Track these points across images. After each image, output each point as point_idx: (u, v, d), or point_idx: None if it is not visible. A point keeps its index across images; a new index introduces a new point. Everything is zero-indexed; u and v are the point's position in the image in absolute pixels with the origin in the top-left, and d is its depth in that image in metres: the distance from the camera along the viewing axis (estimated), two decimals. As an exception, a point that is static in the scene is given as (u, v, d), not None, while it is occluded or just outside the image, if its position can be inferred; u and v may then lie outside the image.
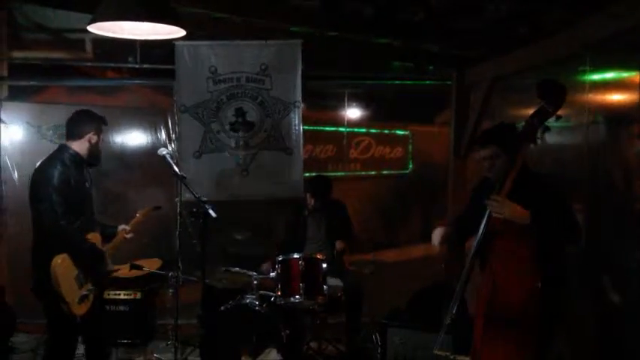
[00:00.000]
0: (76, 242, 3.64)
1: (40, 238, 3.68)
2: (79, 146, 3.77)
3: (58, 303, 3.55)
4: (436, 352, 3.19)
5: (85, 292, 3.66)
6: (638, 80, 3.76)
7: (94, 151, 3.82)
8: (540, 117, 2.94)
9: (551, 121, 2.96)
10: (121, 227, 4.05)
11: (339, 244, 5.01)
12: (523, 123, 3.03)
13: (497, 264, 2.99)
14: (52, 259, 3.52)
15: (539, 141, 2.99)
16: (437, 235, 3.50)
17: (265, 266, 5.05)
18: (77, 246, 3.64)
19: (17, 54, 5.98)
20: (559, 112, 2.93)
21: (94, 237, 3.80)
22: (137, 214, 4.18)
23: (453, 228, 3.50)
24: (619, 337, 3.75)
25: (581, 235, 3.21)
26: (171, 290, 4.75)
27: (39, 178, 3.65)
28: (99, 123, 3.85)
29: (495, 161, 3.24)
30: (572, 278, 4.19)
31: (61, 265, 3.53)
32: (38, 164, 3.72)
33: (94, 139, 3.79)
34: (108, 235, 3.96)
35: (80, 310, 3.63)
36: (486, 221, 3.05)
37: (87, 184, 3.85)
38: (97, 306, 3.79)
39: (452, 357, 3.16)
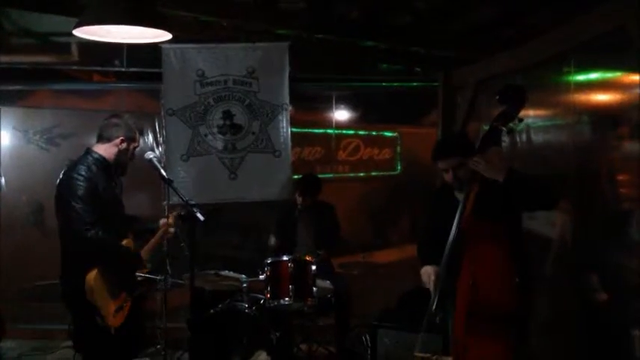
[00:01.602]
0: (110, 249, 3.50)
1: (69, 249, 3.51)
2: (106, 150, 3.61)
3: (93, 316, 3.42)
4: (417, 354, 3.20)
5: (120, 303, 3.55)
6: (622, 80, 3.80)
7: (121, 158, 3.65)
8: (504, 120, 3.04)
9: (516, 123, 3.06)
10: (162, 221, 3.91)
11: (322, 254, 5.03)
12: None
13: (474, 264, 3.03)
14: (86, 273, 3.37)
15: (503, 143, 3.07)
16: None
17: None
18: (112, 253, 3.51)
19: (3, 58, 5.94)
20: (520, 115, 3.03)
21: (128, 243, 3.68)
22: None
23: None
24: (605, 335, 3.78)
25: (556, 201, 3.25)
26: (160, 292, 4.74)
27: (64, 188, 3.47)
28: (131, 131, 3.68)
29: (457, 172, 3.25)
30: (559, 277, 4.24)
31: (96, 279, 3.39)
32: (62, 172, 3.55)
33: (123, 146, 3.63)
34: (147, 233, 3.84)
35: (116, 321, 3.51)
36: (457, 223, 3.09)
37: (116, 190, 3.71)
38: (132, 316, 3.67)
39: (434, 358, 3.17)
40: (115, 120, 3.69)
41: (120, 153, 3.64)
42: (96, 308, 3.42)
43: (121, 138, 3.63)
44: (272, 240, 5.31)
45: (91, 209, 3.40)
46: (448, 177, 3.33)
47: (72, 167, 3.53)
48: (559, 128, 4.44)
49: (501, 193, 3.04)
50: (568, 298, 4.16)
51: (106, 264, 3.47)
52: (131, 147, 3.69)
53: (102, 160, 3.59)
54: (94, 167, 3.53)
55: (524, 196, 3.07)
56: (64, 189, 3.47)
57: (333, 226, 5.34)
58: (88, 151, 3.63)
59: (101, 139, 3.65)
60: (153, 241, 3.83)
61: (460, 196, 3.24)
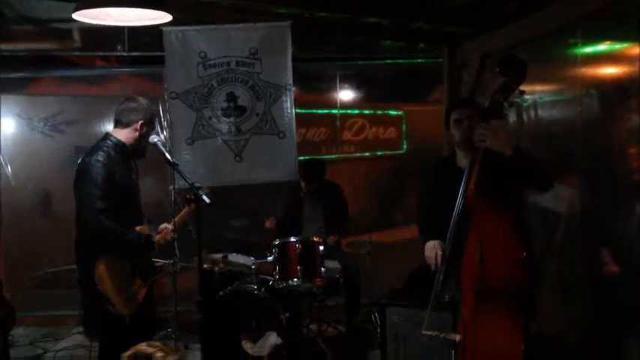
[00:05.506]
0: (118, 235, 3.45)
1: (82, 234, 3.50)
2: (126, 135, 3.57)
3: (104, 303, 3.42)
4: (425, 332, 3.19)
5: (135, 290, 3.52)
6: (630, 52, 3.73)
7: (141, 143, 3.61)
8: (504, 93, 3.01)
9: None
10: (163, 226, 3.86)
11: (330, 239, 5.04)
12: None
13: (481, 240, 3.00)
14: (97, 261, 3.37)
15: (507, 116, 3.07)
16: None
17: (269, 222, 5.11)
18: (121, 239, 3.47)
19: (4, 46, 5.92)
20: (522, 88, 3.01)
21: (143, 229, 3.65)
22: (181, 212, 3.95)
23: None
24: (616, 308, 3.76)
25: (552, 185, 3.28)
26: (169, 276, 4.75)
27: (82, 172, 3.44)
28: (150, 114, 3.64)
29: (470, 124, 3.28)
30: (569, 251, 4.22)
31: (104, 269, 3.39)
32: (82, 156, 3.52)
33: (143, 130, 3.58)
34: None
35: (129, 309, 3.48)
36: (462, 198, 3.07)
37: (133, 176, 3.67)
38: (147, 302, 3.65)
39: (442, 335, 3.16)
40: (132, 104, 3.62)
41: (140, 137, 3.60)
42: (106, 297, 3.41)
43: (141, 122, 3.58)
44: (268, 223, 5.31)
45: (105, 196, 3.37)
46: (461, 129, 3.33)
47: (90, 152, 3.49)
48: (566, 102, 4.38)
49: (504, 168, 3.03)
50: (578, 272, 4.14)
51: (115, 253, 3.46)
52: (150, 130, 3.64)
53: (121, 145, 3.55)
54: (112, 152, 3.49)
55: (526, 175, 3.07)
56: (82, 175, 3.45)
57: (340, 206, 5.32)
58: (107, 135, 3.59)
59: (120, 124, 3.59)
60: (157, 239, 3.78)
61: (463, 162, 3.21)
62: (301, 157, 5.57)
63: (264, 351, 4.08)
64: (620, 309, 3.70)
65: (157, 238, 3.78)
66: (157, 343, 2.83)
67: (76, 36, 6.01)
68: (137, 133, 3.59)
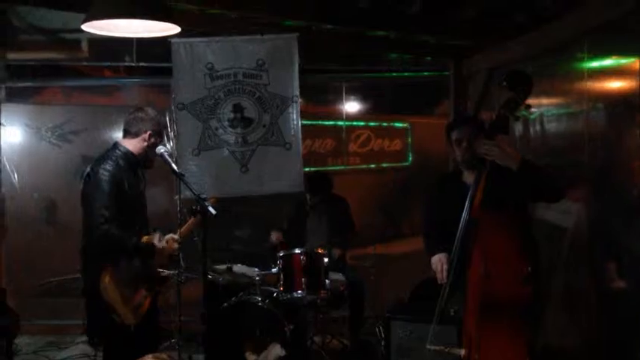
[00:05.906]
0: (122, 243, 3.44)
1: (88, 241, 3.51)
2: (134, 145, 3.58)
3: (109, 313, 3.41)
4: (429, 346, 3.17)
5: (139, 301, 3.52)
6: (636, 67, 3.73)
7: (149, 153, 3.62)
8: (511, 107, 3.02)
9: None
10: (168, 236, 3.79)
11: (336, 252, 5.02)
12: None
13: (487, 254, 2.99)
14: (102, 270, 3.36)
15: (517, 132, 3.08)
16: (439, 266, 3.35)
17: (276, 236, 5.07)
18: (124, 246, 3.45)
19: (13, 55, 5.97)
20: (528, 102, 3.02)
21: (149, 240, 3.62)
22: (188, 222, 3.90)
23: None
24: (624, 324, 3.74)
25: (563, 195, 3.28)
26: (173, 286, 4.74)
27: (90, 180, 3.46)
28: (158, 124, 3.65)
29: (469, 144, 3.29)
30: (575, 266, 4.20)
31: (109, 279, 3.38)
32: (91, 165, 3.54)
33: (151, 140, 3.59)
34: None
35: (134, 318, 3.47)
36: (468, 211, 3.06)
37: (141, 186, 3.69)
38: (151, 311, 3.64)
39: (446, 350, 3.14)
40: (140, 114, 3.65)
41: (148, 147, 3.61)
42: (112, 307, 3.41)
43: (149, 132, 3.60)
44: (273, 236, 5.29)
45: (112, 204, 3.38)
46: (461, 149, 3.32)
47: (99, 161, 3.51)
48: (572, 116, 4.38)
49: (510, 182, 3.02)
50: (584, 287, 4.11)
51: (120, 261, 3.45)
52: (158, 141, 3.65)
53: (129, 155, 3.57)
54: (121, 162, 3.51)
55: (534, 187, 3.06)
56: (90, 183, 3.46)
57: (346, 222, 5.31)
58: (116, 145, 3.61)
59: (128, 134, 3.62)
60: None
61: (469, 178, 3.21)
62: (307, 169, 5.57)
63: (268, 363, 4.07)
64: (628, 324, 3.67)
65: (161, 245, 3.76)
66: (164, 355, 2.81)
67: (85, 46, 6.06)
68: (145, 143, 3.61)
